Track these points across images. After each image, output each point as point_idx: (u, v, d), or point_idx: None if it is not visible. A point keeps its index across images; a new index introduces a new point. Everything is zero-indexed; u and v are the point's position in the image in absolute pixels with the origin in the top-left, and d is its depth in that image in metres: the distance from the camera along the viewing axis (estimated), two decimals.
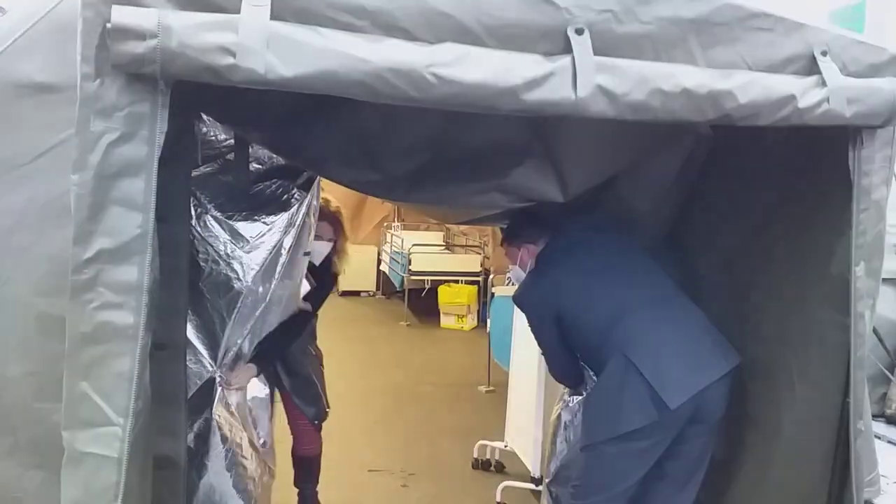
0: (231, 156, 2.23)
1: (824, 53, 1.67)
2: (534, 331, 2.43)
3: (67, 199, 1.28)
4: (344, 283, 9.34)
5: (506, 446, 3.83)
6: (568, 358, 2.41)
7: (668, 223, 2.44)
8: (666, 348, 2.12)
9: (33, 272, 1.51)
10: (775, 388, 2.15)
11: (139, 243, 1.30)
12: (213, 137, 2.22)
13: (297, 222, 2.21)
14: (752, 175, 2.21)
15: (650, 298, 2.21)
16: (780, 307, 2.14)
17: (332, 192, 9.49)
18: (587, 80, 1.42)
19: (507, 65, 1.38)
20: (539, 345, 2.48)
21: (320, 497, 3.39)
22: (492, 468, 3.96)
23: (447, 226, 8.81)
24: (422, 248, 8.32)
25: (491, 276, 6.40)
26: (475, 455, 4.02)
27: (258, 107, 2.08)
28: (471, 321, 7.91)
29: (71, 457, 1.30)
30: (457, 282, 8.04)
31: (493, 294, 4.92)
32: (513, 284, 5.14)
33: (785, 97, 1.58)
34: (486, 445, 4.00)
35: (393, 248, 8.73)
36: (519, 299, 2.44)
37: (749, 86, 1.56)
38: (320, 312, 2.98)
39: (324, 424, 3.09)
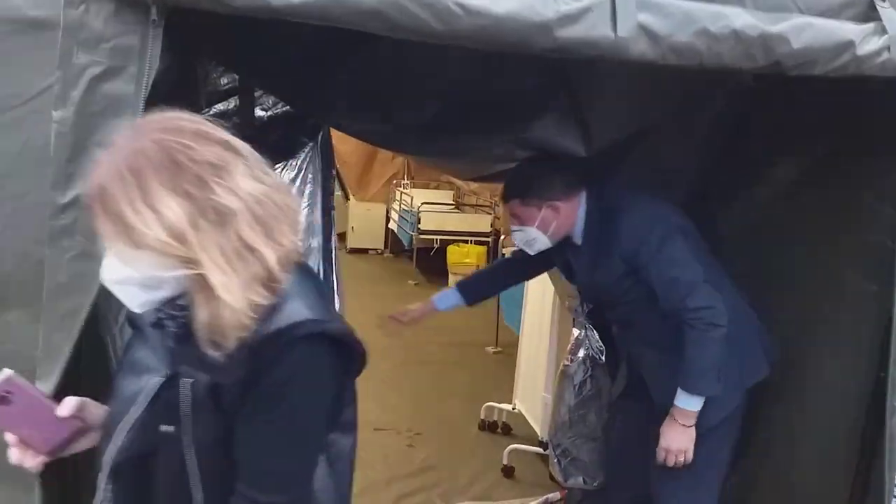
0: (231, 101, 2.10)
1: None
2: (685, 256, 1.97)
3: None
4: (352, 240, 9.36)
5: (514, 408, 3.76)
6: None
7: (696, 183, 2.29)
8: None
9: (30, 219, 1.40)
10: (802, 359, 2.05)
11: None
12: (216, 80, 2.09)
13: (304, 171, 2.09)
14: (787, 133, 2.07)
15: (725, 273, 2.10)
16: (810, 275, 2.03)
17: (342, 146, 9.35)
18: (628, 17, 1.27)
19: None
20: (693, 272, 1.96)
21: None
22: (499, 430, 3.89)
23: (457, 185, 8.66)
24: (431, 206, 8.18)
25: (501, 237, 6.28)
26: (482, 416, 3.96)
27: (263, 49, 1.93)
28: None
29: None
30: (466, 241, 7.92)
31: (503, 255, 4.81)
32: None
33: (843, 43, 1.43)
34: (493, 407, 3.93)
35: (402, 206, 8.60)
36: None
37: (804, 30, 1.41)
38: None
39: None
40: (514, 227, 2.11)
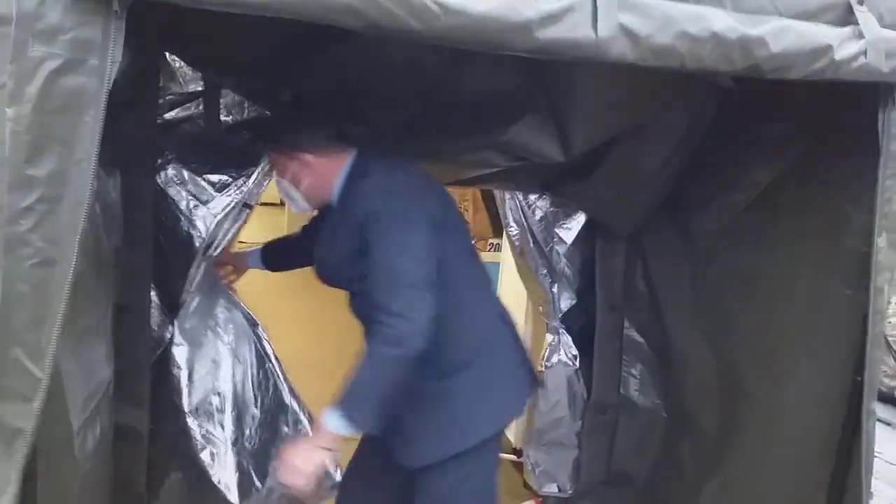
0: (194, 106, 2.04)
1: (861, 2, 1.51)
2: (420, 252, 1.63)
3: None
4: None
5: None
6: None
7: (670, 185, 2.29)
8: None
9: None
10: (776, 364, 2.04)
11: (82, 192, 1.11)
12: (179, 81, 2.02)
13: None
14: (762, 136, 2.07)
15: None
16: (783, 277, 2.03)
17: None
18: (609, 17, 1.25)
19: None
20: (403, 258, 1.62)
21: None
22: None
23: None
24: None
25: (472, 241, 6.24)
26: None
27: (231, 47, 1.88)
28: None
29: (2, 433, 1.13)
30: None
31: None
32: (492, 250, 5.03)
33: (821, 47, 1.42)
34: None
35: None
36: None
37: (783, 33, 1.40)
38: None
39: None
40: (275, 177, 1.90)
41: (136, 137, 1.71)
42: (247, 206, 2.07)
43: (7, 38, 1.08)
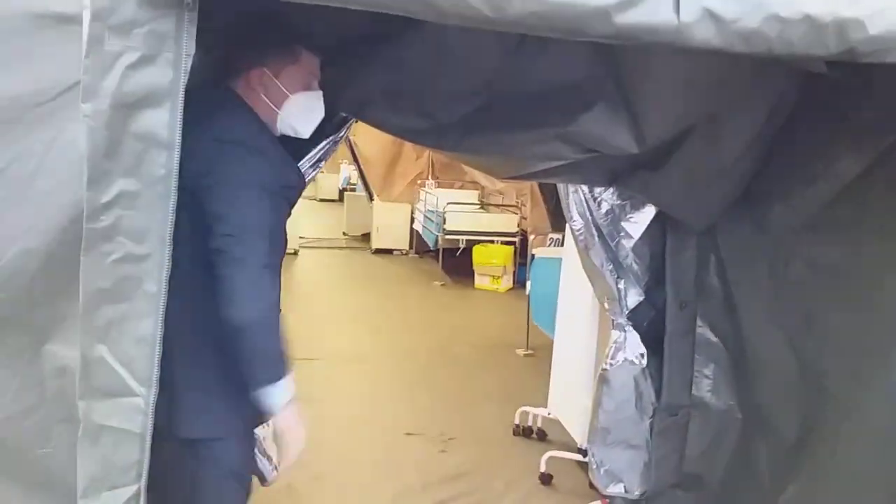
0: None
1: None
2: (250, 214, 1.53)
3: None
4: (377, 241, 9.32)
5: (549, 414, 3.67)
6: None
7: (747, 177, 2.18)
8: None
9: (56, 220, 1.35)
10: (864, 365, 1.93)
11: (164, 186, 1.11)
12: None
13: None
14: (849, 124, 1.95)
15: None
16: (872, 275, 1.90)
17: (367, 148, 9.35)
18: (692, 0, 1.18)
19: None
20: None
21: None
22: (533, 436, 3.81)
23: (482, 185, 8.56)
24: (457, 206, 8.10)
25: (531, 238, 6.18)
26: (516, 421, 3.87)
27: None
28: (506, 282, 7.71)
29: (87, 429, 1.14)
30: (492, 241, 7.83)
31: (533, 255, 4.71)
32: (553, 245, 4.96)
33: None
34: (528, 412, 3.84)
35: (427, 206, 8.53)
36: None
37: (881, 14, 1.30)
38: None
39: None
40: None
41: None
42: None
43: (76, 36, 1.08)
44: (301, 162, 2.10)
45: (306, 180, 2.12)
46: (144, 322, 1.15)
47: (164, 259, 1.14)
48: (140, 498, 1.18)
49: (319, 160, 2.13)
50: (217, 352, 1.54)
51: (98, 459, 1.14)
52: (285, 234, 1.68)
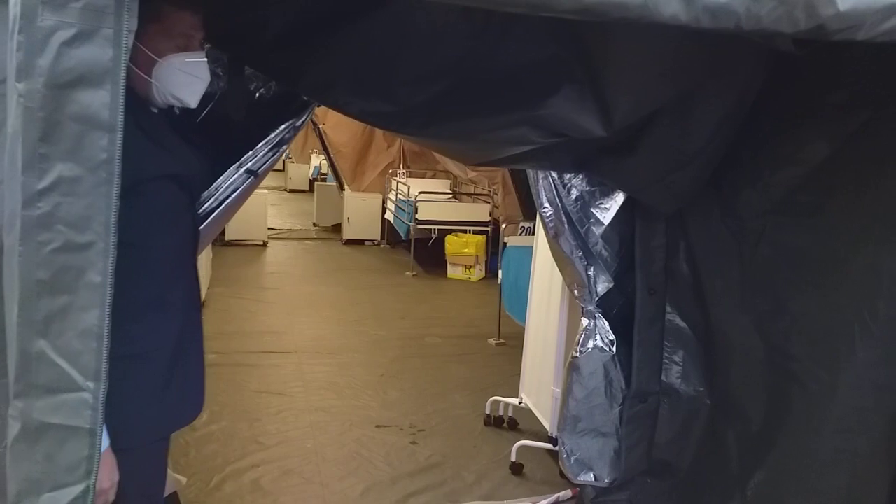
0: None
1: None
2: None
3: None
4: (348, 231, 9.22)
5: (520, 403, 3.65)
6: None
7: (715, 161, 2.17)
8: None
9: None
10: (831, 349, 1.93)
11: (106, 170, 1.05)
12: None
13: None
14: (815, 107, 1.94)
15: None
16: (838, 258, 1.90)
17: (337, 137, 9.23)
18: None
19: None
20: None
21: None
22: (504, 425, 3.78)
23: (454, 174, 8.51)
24: (428, 196, 8.04)
25: (502, 227, 6.16)
26: (487, 411, 3.84)
27: (254, 24, 1.82)
28: (479, 272, 7.69)
29: (27, 429, 1.08)
30: (465, 231, 7.79)
31: (504, 244, 4.68)
32: (523, 234, 4.94)
33: (892, 4, 1.30)
34: (498, 402, 3.82)
35: (399, 196, 8.46)
36: None
37: None
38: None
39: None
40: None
41: None
42: (251, 173, 2.02)
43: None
44: (258, 146, 2.04)
45: (266, 165, 2.06)
46: (89, 314, 1.09)
47: (109, 247, 1.08)
48: (88, 496, 1.12)
49: (278, 143, 2.06)
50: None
51: (39, 460, 1.08)
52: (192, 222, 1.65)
